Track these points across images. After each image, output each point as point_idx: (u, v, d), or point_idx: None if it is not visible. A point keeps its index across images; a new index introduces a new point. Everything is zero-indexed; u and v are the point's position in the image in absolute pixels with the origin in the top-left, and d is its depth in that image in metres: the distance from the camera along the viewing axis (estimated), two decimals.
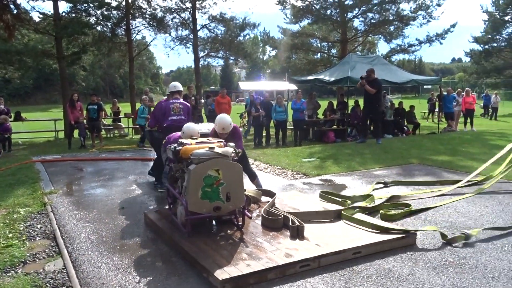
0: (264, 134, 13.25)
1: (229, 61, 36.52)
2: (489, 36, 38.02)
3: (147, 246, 4.10)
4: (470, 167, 7.72)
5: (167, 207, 4.88)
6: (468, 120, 16.52)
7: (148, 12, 19.91)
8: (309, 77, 15.48)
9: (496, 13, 37.33)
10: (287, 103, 14.71)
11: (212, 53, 23.04)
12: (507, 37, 38.24)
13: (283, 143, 12.74)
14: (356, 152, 9.56)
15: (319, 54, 27.31)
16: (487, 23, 38.08)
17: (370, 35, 24.95)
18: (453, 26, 21.26)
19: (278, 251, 3.62)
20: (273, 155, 9.34)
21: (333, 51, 27.42)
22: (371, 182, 6.67)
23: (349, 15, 21.33)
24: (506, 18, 37.32)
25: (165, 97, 6.98)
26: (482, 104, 27.15)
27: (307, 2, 21.22)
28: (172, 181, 4.68)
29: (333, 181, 6.82)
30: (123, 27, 19.23)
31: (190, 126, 5.12)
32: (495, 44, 38.72)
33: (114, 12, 18.57)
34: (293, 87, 15.03)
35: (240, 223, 4.18)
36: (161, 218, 4.58)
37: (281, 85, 15.96)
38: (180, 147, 4.25)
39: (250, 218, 4.34)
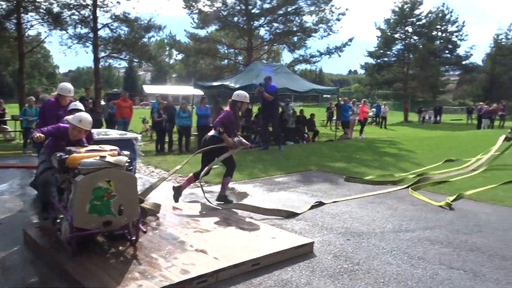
0: (166, 140, 12.84)
1: (133, 64, 35.15)
2: (381, 51, 41.45)
3: (24, 269, 3.62)
4: (363, 173, 8.18)
5: (53, 222, 4.38)
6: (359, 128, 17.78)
7: (43, 6, 18.32)
8: (215, 83, 15.40)
9: (388, 31, 40.84)
10: (192, 109, 14.45)
11: (114, 54, 21.90)
12: (396, 53, 42.02)
13: (186, 149, 12.46)
14: (259, 159, 9.64)
15: (226, 61, 27.47)
16: (379, 39, 41.49)
17: (275, 44, 25.72)
18: (350, 40, 22.75)
19: (173, 267, 3.40)
20: (175, 162, 9.02)
21: (240, 58, 27.77)
22: (272, 189, 6.73)
23: (256, 23, 21.77)
24: (396, 35, 41.03)
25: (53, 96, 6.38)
26: (373, 113, 29.25)
27: (214, 8, 21.22)
28: (57, 193, 4.22)
29: (234, 189, 6.75)
30: (14, 20, 17.48)
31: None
32: (386, 59, 42.26)
33: (3, 3, 16.81)
34: (199, 92, 14.84)
35: (133, 238, 3.88)
36: (43, 235, 4.10)
37: (187, 90, 15.67)
38: (67, 156, 3.84)
39: (145, 232, 4.06)
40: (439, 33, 45.71)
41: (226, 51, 28.31)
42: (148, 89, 55.48)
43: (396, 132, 22.09)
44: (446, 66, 46.87)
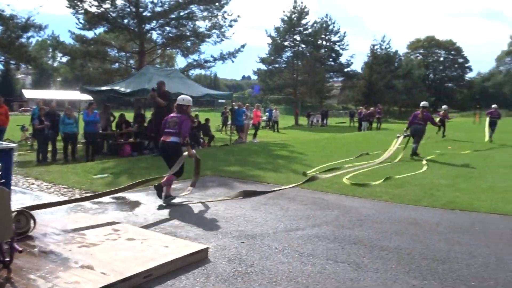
0: (50, 148, 11.83)
1: (10, 66, 31.84)
2: (272, 58, 43.14)
3: None
4: (257, 176, 8.38)
5: None
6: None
7: None
8: (104, 88, 14.60)
9: (278, 38, 42.60)
10: (79, 115, 13.53)
11: None
12: (286, 60, 44.05)
13: (72, 158, 11.61)
14: (153, 166, 9.35)
15: (117, 64, 26.27)
16: (270, 46, 43.12)
17: (168, 48, 25.25)
18: (243, 46, 23.26)
19: (55, 287, 3.10)
20: (59, 173, 8.35)
21: (132, 61, 26.73)
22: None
23: (147, 27, 21.13)
24: (286, 43, 42.98)
25: None
26: (267, 118, 30.33)
27: (102, 9, 20.13)
28: None
29: (126, 198, 6.45)
30: None
31: None
32: (277, 65, 44.07)
33: None
34: (87, 97, 13.95)
35: (7, 259, 3.46)
36: None
37: (73, 95, 14.63)
38: None
39: (20, 252, 3.65)
40: (324, 42, 49.07)
41: (116, 54, 27.08)
42: (29, 93, 50.36)
43: (287, 135, 23.11)
44: (331, 73, 50.48)
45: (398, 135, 12.53)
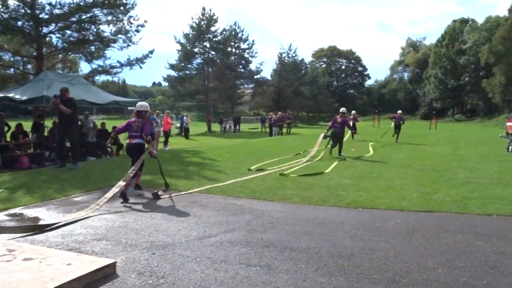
0: None
1: None
2: (182, 64, 42.63)
3: None
4: (169, 184, 8.18)
5: None
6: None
7: None
8: None
9: (187, 45, 42.23)
10: None
11: None
12: (196, 66, 43.80)
13: None
14: (54, 178, 8.70)
15: (12, 69, 24.14)
16: (180, 52, 42.59)
17: (70, 53, 23.77)
18: (151, 52, 22.69)
19: None
20: None
21: (29, 66, 24.74)
22: (70, 210, 6.13)
23: (45, 29, 19.68)
24: (195, 50, 42.74)
25: None
26: (178, 125, 29.88)
27: None
28: None
29: (23, 215, 5.90)
30: None
31: None
32: (187, 72, 43.65)
33: None
34: None
35: None
36: None
37: None
38: None
39: None
40: (234, 50, 49.69)
41: (11, 58, 24.85)
42: None
43: (199, 142, 22.97)
44: (241, 79, 51.23)
45: (322, 134, 14.37)
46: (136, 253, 4.33)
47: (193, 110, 52.76)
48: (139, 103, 7.76)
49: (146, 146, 7.41)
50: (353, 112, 22.68)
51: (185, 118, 27.90)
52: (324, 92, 73.56)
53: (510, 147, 15.41)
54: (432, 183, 8.51)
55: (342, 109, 14.32)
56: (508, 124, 26.86)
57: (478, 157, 13.57)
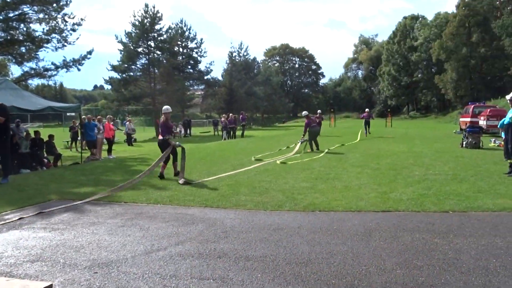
0: None
1: None
2: (126, 65, 41.61)
3: None
4: (112, 196, 7.94)
5: None
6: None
7: None
8: None
9: (130, 45, 41.30)
10: None
11: None
12: (141, 67, 42.92)
13: None
14: None
15: None
16: (122, 52, 41.56)
17: None
18: (90, 53, 22.00)
19: None
20: None
21: None
22: (0, 230, 5.79)
23: None
24: (139, 49, 41.91)
25: None
26: (125, 131, 29.12)
27: None
28: None
29: None
30: None
31: None
32: (131, 74, 42.68)
33: None
34: None
35: None
36: None
37: None
38: None
39: None
40: (181, 49, 49.19)
41: None
42: None
43: (147, 148, 22.51)
44: (191, 80, 50.79)
45: (298, 141, 16.12)
46: (76, 274, 4.14)
47: (140, 115, 51.61)
48: (165, 107, 10.54)
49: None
50: (319, 111, 25.01)
51: (127, 123, 27.24)
52: (278, 92, 74.54)
53: (464, 143, 16.21)
54: (389, 181, 8.79)
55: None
56: (461, 119, 28.40)
57: (434, 153, 14.17)
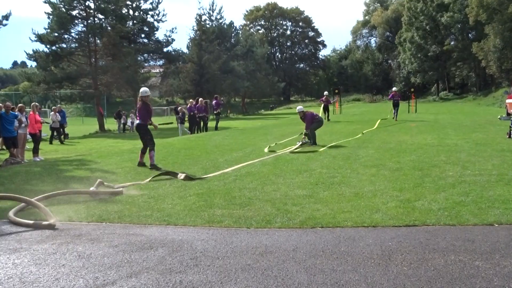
0: None
1: None
2: (56, 34, 40.85)
3: None
4: (34, 213, 7.84)
5: None
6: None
7: None
8: None
9: (62, 6, 40.52)
10: None
11: None
12: (77, 37, 42.29)
13: None
14: None
15: None
16: (51, 17, 40.78)
17: None
18: (6, 17, 21.67)
19: None
20: None
21: None
22: None
23: None
24: (74, 12, 41.23)
25: None
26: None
27: None
28: None
29: None
30: None
31: None
32: (64, 46, 41.96)
33: None
34: None
35: None
36: None
37: None
38: None
39: None
40: (131, 11, 48.74)
41: None
42: None
43: (87, 146, 22.37)
44: (145, 54, 50.46)
45: (298, 142, 16.73)
46: None
47: (77, 101, 51.10)
48: (143, 89, 13.15)
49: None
50: (325, 93, 28.35)
51: (52, 114, 26.90)
52: (264, 68, 74.59)
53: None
54: (414, 186, 8.86)
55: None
56: (508, 101, 28.77)
57: (472, 147, 14.35)
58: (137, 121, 13.34)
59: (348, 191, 8.71)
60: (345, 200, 7.95)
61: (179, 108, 30.06)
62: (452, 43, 68.19)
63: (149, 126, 12.98)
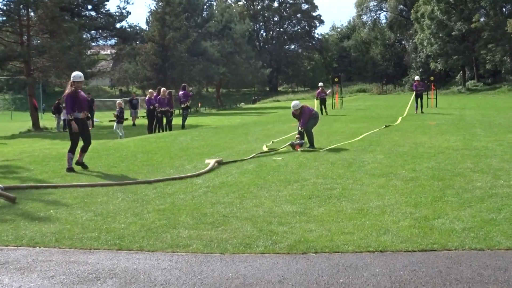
0: None
1: None
2: None
3: None
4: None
5: None
6: None
7: None
8: None
9: None
10: None
11: None
12: (4, 8, 41.93)
13: None
14: None
15: None
16: None
17: None
18: None
19: None
20: None
21: None
22: None
23: None
24: None
25: None
26: None
27: None
28: None
29: None
30: None
31: None
32: None
33: None
34: None
35: None
36: None
37: None
38: None
39: None
40: None
41: None
42: None
43: (16, 149, 22.16)
44: (93, 31, 50.24)
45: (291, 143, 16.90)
46: None
47: (4, 91, 50.72)
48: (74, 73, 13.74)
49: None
50: (320, 84, 30.53)
51: None
52: (245, 49, 74.56)
53: None
54: (432, 200, 8.91)
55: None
56: None
57: (507, 151, 14.51)
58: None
59: (350, 206, 8.73)
60: (345, 218, 7.96)
61: (118, 102, 29.78)
62: (482, 19, 68.71)
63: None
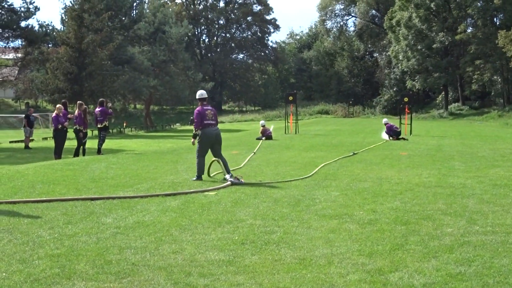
0: None
1: None
2: None
3: None
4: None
5: None
6: None
7: None
8: None
9: None
10: None
11: None
12: None
13: None
14: None
15: None
16: None
17: None
18: None
19: None
20: None
21: None
22: None
23: None
24: None
25: None
26: None
27: None
28: None
29: None
30: None
31: None
32: None
33: None
34: None
35: None
36: None
37: None
38: None
39: None
40: None
41: None
42: None
43: None
44: None
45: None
46: None
47: None
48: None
49: None
50: (262, 123, 31.54)
51: None
52: (183, 58, 74.59)
53: None
54: (391, 249, 8.92)
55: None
56: None
57: (487, 189, 14.67)
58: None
59: (290, 255, 8.69)
60: (282, 270, 7.91)
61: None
62: (469, 30, 69.86)
63: None
